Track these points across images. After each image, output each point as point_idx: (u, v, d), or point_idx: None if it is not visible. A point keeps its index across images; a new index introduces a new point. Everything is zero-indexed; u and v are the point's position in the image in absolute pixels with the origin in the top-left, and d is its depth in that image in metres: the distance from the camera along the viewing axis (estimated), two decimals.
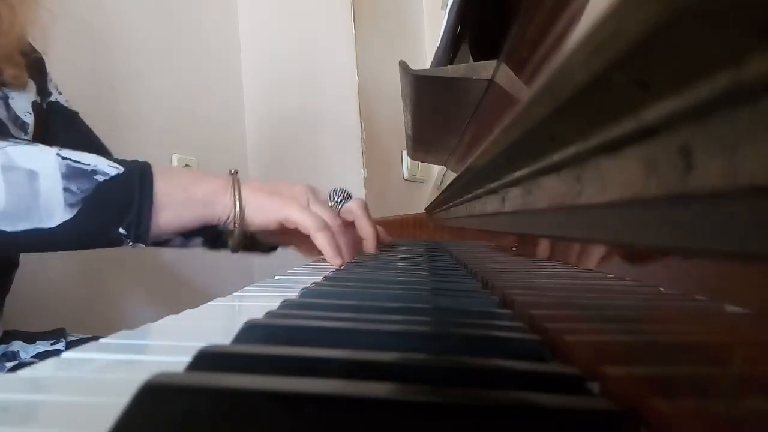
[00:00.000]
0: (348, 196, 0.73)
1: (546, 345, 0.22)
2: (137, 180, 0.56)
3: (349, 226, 0.70)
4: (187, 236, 0.82)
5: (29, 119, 0.72)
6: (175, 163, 1.39)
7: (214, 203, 0.60)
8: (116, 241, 0.56)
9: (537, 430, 0.14)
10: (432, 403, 0.14)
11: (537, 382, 0.17)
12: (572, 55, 0.13)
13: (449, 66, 0.46)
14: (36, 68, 0.75)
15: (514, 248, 0.64)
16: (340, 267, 0.61)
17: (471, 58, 0.48)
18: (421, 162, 1.55)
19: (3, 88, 0.70)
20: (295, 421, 0.13)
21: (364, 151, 1.54)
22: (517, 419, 0.14)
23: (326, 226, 0.61)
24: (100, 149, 0.83)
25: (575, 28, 0.14)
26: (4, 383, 0.19)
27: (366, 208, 0.73)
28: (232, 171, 0.63)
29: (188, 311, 0.34)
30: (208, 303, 0.37)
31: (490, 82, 0.38)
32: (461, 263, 0.62)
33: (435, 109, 0.56)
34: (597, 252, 0.37)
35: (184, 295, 1.32)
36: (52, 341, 0.71)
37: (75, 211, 0.53)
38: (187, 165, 1.42)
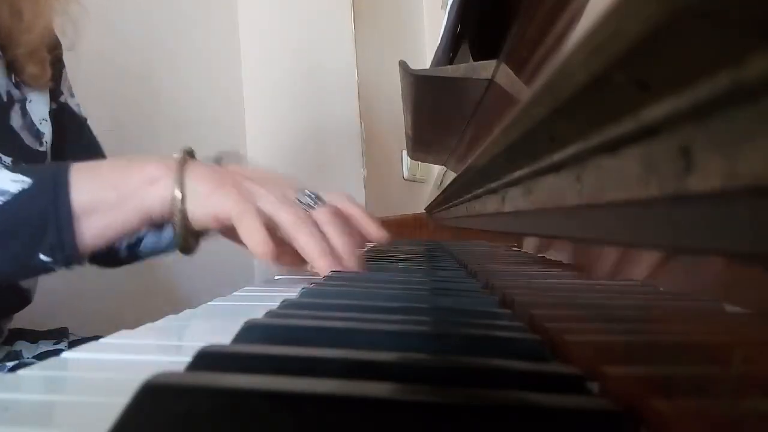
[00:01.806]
0: (318, 200, 0.54)
1: (546, 345, 0.22)
2: (50, 190, 0.45)
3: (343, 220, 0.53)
4: (159, 228, 0.69)
5: (45, 128, 0.67)
6: None
7: (148, 194, 0.47)
8: (43, 270, 0.46)
9: (537, 430, 0.14)
10: (432, 403, 0.14)
11: (537, 381, 0.17)
12: (572, 55, 0.13)
13: (449, 66, 0.46)
14: (55, 68, 0.70)
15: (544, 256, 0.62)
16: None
17: (471, 58, 0.48)
18: (421, 162, 1.55)
19: (23, 87, 0.65)
20: (295, 420, 0.13)
21: (364, 151, 1.54)
22: (517, 419, 0.14)
23: (261, 225, 0.46)
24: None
25: (575, 28, 0.14)
26: (5, 383, 0.19)
27: (351, 198, 0.57)
28: (186, 151, 0.49)
29: (188, 311, 0.34)
30: (208, 303, 0.37)
31: (490, 82, 0.38)
32: (461, 263, 0.62)
33: (435, 109, 0.56)
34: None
35: (184, 295, 1.32)
36: (55, 341, 0.71)
37: None
38: None
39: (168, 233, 0.74)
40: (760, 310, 0.15)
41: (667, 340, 0.20)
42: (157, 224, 0.50)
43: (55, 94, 0.73)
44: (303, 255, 0.48)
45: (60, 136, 0.72)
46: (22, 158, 0.63)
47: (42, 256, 0.45)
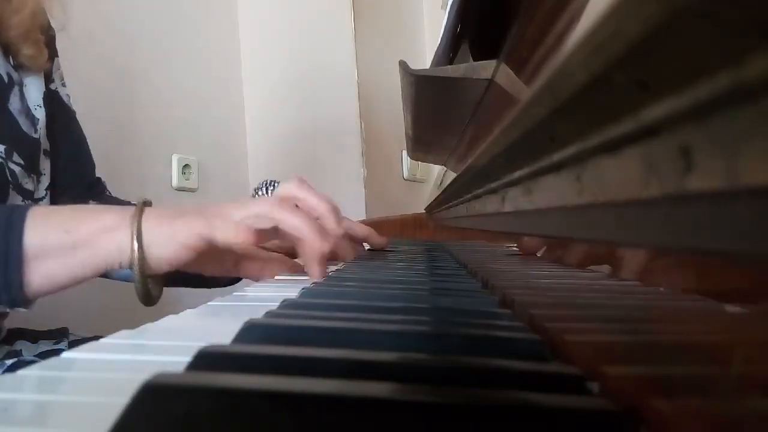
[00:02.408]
0: (276, 184, 0.55)
1: (546, 345, 0.22)
2: (2, 230, 0.44)
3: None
4: None
5: (39, 113, 0.68)
6: (174, 163, 1.39)
7: (106, 243, 0.46)
8: None
9: (537, 430, 0.14)
10: (432, 403, 0.14)
11: (537, 381, 0.17)
12: (572, 55, 0.13)
13: (449, 66, 0.46)
14: (50, 49, 0.71)
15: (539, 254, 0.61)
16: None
17: (471, 58, 0.48)
18: (421, 162, 1.55)
19: (19, 71, 0.66)
20: (295, 421, 0.13)
21: (364, 151, 1.54)
22: (517, 419, 0.14)
23: (249, 231, 0.46)
24: (86, 157, 0.79)
25: (575, 28, 0.14)
26: (5, 383, 0.19)
27: (302, 184, 0.57)
28: (143, 201, 0.48)
29: (188, 311, 0.34)
30: (208, 303, 0.37)
31: (490, 82, 0.38)
32: (461, 263, 0.62)
33: (435, 109, 0.56)
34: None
35: (184, 295, 1.32)
36: (55, 341, 0.71)
37: None
38: (186, 165, 1.42)
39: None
40: (760, 310, 0.15)
41: (667, 340, 0.20)
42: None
43: (48, 78, 0.73)
44: (295, 233, 0.48)
45: (52, 124, 0.71)
46: (15, 145, 0.63)
47: None
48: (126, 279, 0.77)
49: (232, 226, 0.45)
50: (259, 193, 0.58)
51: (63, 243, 0.45)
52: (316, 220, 0.51)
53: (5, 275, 0.44)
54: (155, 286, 0.49)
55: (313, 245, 0.48)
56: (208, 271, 0.56)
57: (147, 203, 0.48)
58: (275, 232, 0.50)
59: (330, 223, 0.54)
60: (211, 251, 0.48)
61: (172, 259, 0.47)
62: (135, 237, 0.45)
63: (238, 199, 0.53)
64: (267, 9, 1.64)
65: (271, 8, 1.64)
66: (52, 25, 0.73)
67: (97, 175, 0.81)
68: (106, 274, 0.71)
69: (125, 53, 1.28)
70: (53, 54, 0.74)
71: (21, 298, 0.45)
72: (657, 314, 0.23)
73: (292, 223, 0.48)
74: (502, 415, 0.14)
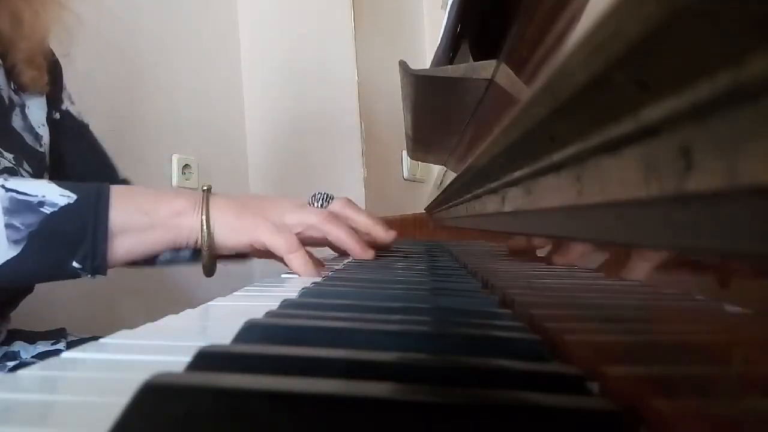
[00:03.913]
0: (330, 198, 0.67)
1: (546, 345, 0.22)
2: (91, 208, 0.51)
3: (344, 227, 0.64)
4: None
5: (43, 131, 0.70)
6: (174, 163, 1.39)
7: (178, 225, 0.55)
8: (71, 275, 0.53)
9: (537, 430, 0.14)
10: (432, 403, 0.14)
11: (537, 381, 0.17)
12: (572, 55, 0.13)
13: (449, 66, 0.46)
14: (52, 75, 0.74)
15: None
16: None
17: (471, 58, 0.48)
18: (421, 162, 1.55)
19: (21, 94, 0.68)
20: (295, 421, 0.13)
21: (364, 151, 1.54)
22: (517, 419, 0.14)
23: (298, 247, 0.55)
24: (106, 164, 0.82)
25: (575, 28, 0.14)
26: (5, 383, 0.19)
27: (350, 203, 0.67)
28: (204, 188, 0.57)
29: (188, 311, 0.34)
30: (208, 303, 0.37)
31: (490, 82, 0.38)
32: (461, 263, 0.62)
33: (435, 109, 0.56)
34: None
35: (184, 295, 1.32)
36: (53, 341, 0.71)
37: (20, 248, 0.49)
38: (186, 165, 1.42)
39: (185, 251, 0.79)
40: (760, 310, 0.15)
41: (667, 340, 0.20)
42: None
43: (56, 103, 0.76)
44: (339, 245, 0.60)
45: (62, 142, 0.75)
46: (23, 156, 0.66)
47: (74, 264, 0.51)
48: (169, 263, 0.83)
49: (285, 240, 0.55)
50: (314, 203, 0.67)
51: (142, 223, 0.54)
52: (357, 233, 0.62)
53: (93, 246, 0.51)
54: (214, 264, 0.58)
55: (357, 255, 0.60)
56: (252, 255, 0.67)
57: (209, 189, 0.57)
58: (322, 241, 0.61)
59: (380, 234, 0.65)
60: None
61: (232, 248, 0.57)
62: (204, 223, 0.55)
63: (295, 201, 0.63)
64: (267, 9, 1.64)
65: (271, 8, 1.64)
66: (56, 50, 0.76)
67: (123, 177, 0.84)
68: (153, 263, 0.76)
69: (125, 54, 1.28)
70: (59, 76, 0.77)
71: (102, 267, 0.53)
72: (657, 314, 0.23)
73: (338, 236, 0.59)
74: (502, 415, 0.14)
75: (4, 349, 0.68)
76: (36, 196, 0.51)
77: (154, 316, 0.31)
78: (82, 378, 0.20)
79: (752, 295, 0.14)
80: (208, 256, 0.56)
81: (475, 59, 0.43)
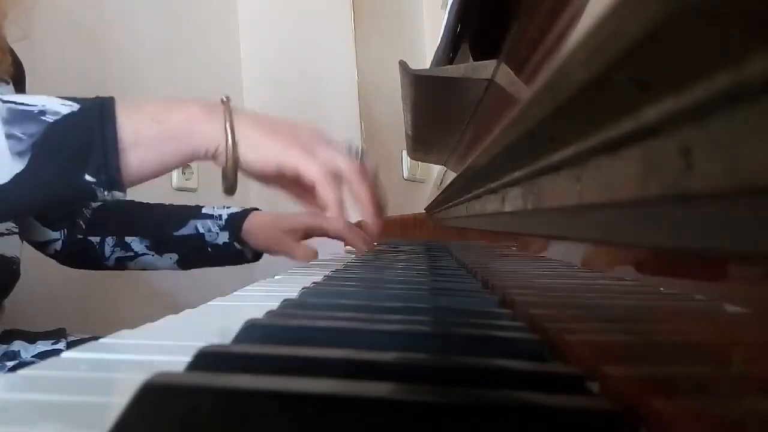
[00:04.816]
0: (361, 151, 0.60)
1: (546, 345, 0.22)
2: (97, 116, 0.47)
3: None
4: (160, 253, 0.79)
5: None
6: None
7: (193, 132, 0.49)
8: (87, 192, 0.48)
9: (537, 430, 0.14)
10: (432, 403, 0.14)
11: (537, 381, 0.17)
12: (572, 55, 0.13)
13: (449, 66, 0.46)
14: (16, 66, 0.72)
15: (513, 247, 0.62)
16: (343, 230, 0.55)
17: (471, 58, 0.48)
18: (421, 162, 1.55)
19: None
20: (295, 421, 0.13)
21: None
22: (517, 419, 0.14)
23: (334, 177, 0.50)
24: None
25: (575, 28, 0.14)
26: (5, 383, 0.19)
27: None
28: (224, 98, 0.51)
29: (188, 311, 0.34)
30: (208, 303, 0.37)
31: (490, 82, 0.38)
32: (461, 263, 0.62)
33: (435, 109, 0.56)
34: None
35: (184, 295, 1.32)
36: (53, 341, 0.71)
37: (26, 160, 0.45)
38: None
39: (168, 259, 0.79)
40: (760, 310, 0.15)
41: (667, 340, 0.20)
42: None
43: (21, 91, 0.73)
44: (357, 200, 0.54)
45: None
46: None
47: (87, 176, 0.47)
48: (144, 268, 0.82)
49: (320, 166, 0.50)
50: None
51: (154, 132, 0.48)
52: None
53: (104, 155, 0.46)
54: (236, 179, 0.52)
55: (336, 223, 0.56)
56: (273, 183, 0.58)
57: (227, 99, 0.51)
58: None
59: (368, 216, 0.57)
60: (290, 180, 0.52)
61: (257, 168, 0.51)
62: (229, 132, 0.49)
63: (320, 131, 0.56)
64: (267, 9, 1.64)
65: (271, 8, 1.64)
66: (13, 35, 0.73)
67: None
68: (123, 267, 0.73)
69: (125, 54, 1.28)
70: (20, 68, 0.74)
71: (118, 181, 0.48)
72: (657, 314, 0.23)
73: (361, 192, 0.53)
74: (502, 415, 0.14)
75: (4, 348, 0.67)
76: (35, 105, 0.47)
77: (154, 316, 0.31)
78: (82, 378, 0.20)
79: (752, 295, 0.14)
80: (231, 169, 0.50)
81: (475, 59, 0.43)
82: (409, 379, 0.17)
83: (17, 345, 0.69)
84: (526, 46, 0.26)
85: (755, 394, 0.12)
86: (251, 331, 0.23)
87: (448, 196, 0.67)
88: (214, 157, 0.50)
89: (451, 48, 0.49)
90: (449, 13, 0.46)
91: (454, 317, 0.29)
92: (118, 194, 0.49)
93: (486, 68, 0.38)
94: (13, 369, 0.60)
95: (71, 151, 0.46)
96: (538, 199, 0.24)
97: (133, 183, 0.50)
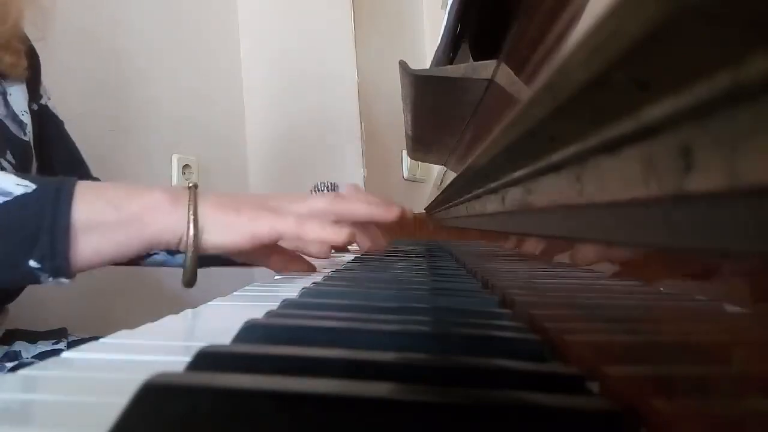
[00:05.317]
0: (335, 187, 0.61)
1: (546, 345, 0.22)
2: (51, 198, 0.45)
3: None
4: (171, 253, 0.78)
5: (26, 119, 0.69)
6: (174, 163, 1.39)
7: (154, 221, 0.47)
8: (31, 276, 0.45)
9: (537, 430, 0.14)
10: (432, 403, 0.14)
11: (537, 381, 0.17)
12: (572, 55, 0.13)
13: (449, 66, 0.46)
14: (31, 61, 0.72)
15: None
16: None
17: (471, 58, 0.48)
18: (421, 162, 1.55)
19: (2, 81, 0.67)
20: (295, 421, 0.13)
21: (364, 151, 1.54)
22: (517, 419, 0.14)
23: (310, 216, 0.50)
24: (80, 161, 0.81)
25: (575, 28, 0.14)
26: (5, 383, 0.19)
27: (358, 189, 0.62)
28: (190, 185, 0.49)
29: (188, 311, 0.34)
30: (208, 303, 0.37)
31: (490, 82, 0.38)
32: (461, 263, 0.62)
33: (435, 109, 0.56)
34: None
35: (185, 295, 1.32)
36: (54, 341, 0.71)
37: None
38: (186, 165, 1.42)
39: (180, 259, 0.77)
40: (760, 310, 0.15)
41: (667, 340, 0.20)
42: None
43: (36, 95, 0.75)
44: (359, 217, 0.54)
45: (42, 134, 0.74)
46: (7, 146, 0.64)
47: (32, 263, 0.44)
48: (156, 265, 0.80)
49: (293, 219, 0.49)
50: (317, 192, 0.61)
51: (112, 218, 0.46)
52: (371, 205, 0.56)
53: (51, 245, 0.44)
54: (195, 271, 0.50)
55: (385, 217, 0.54)
56: (242, 259, 0.58)
57: (196, 186, 0.49)
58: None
59: (380, 215, 0.58)
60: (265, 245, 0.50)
61: (229, 247, 0.49)
62: (191, 221, 0.47)
63: (296, 193, 0.57)
64: (267, 9, 1.64)
65: (271, 8, 1.64)
66: (31, 35, 0.74)
67: (95, 175, 0.82)
68: (136, 264, 0.71)
69: (125, 54, 1.28)
70: (37, 67, 0.75)
71: (64, 268, 0.45)
72: (657, 314, 0.23)
73: (354, 209, 0.54)
74: (502, 415, 0.14)
75: (5, 348, 0.67)
76: None
77: (154, 316, 0.31)
78: (82, 378, 0.20)
79: (752, 295, 0.14)
80: (191, 260, 0.48)
81: (475, 59, 0.43)
82: (409, 379, 0.17)
83: (18, 345, 0.69)
84: (526, 46, 0.26)
85: (755, 394, 0.12)
86: (251, 331, 0.23)
87: (448, 196, 0.67)
88: (177, 247, 0.48)
89: (451, 48, 0.49)
90: (449, 13, 0.46)
91: (454, 317, 0.29)
92: (63, 281, 0.46)
93: (486, 68, 0.38)
94: (13, 369, 0.60)
95: (17, 235, 0.44)
96: (538, 199, 0.24)
97: (86, 268, 0.47)
